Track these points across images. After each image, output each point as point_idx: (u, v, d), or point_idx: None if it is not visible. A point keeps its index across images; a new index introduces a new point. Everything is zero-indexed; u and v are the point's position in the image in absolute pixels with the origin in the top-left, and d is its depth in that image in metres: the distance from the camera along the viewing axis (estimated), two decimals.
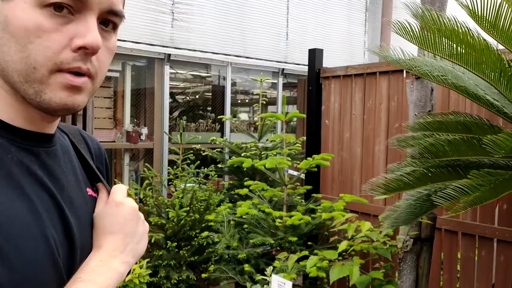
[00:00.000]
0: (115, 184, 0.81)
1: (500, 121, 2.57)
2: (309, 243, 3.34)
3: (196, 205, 3.60)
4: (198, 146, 4.46)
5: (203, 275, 3.30)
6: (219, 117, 5.04)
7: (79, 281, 0.65)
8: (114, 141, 4.79)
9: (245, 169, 4.19)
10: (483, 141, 1.47)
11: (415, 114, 2.81)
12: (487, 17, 1.53)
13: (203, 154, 4.43)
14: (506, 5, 1.49)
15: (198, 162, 4.05)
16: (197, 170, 4.25)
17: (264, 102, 4.42)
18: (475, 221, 2.97)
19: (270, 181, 4.23)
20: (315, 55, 4.03)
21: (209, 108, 6.70)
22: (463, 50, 1.80)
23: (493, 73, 1.73)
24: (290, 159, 4.04)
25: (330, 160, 3.80)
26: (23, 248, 0.59)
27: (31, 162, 0.66)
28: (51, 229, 0.64)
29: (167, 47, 4.86)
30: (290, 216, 3.15)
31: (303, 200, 3.89)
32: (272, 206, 3.60)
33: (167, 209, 3.58)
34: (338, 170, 3.92)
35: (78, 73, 0.63)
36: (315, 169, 3.62)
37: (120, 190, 0.78)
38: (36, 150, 0.68)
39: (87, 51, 0.63)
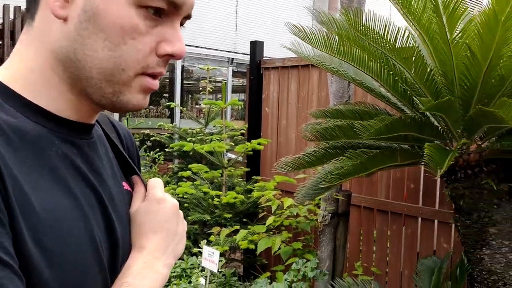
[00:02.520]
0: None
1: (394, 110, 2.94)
2: (245, 220, 3.65)
3: None
4: (147, 131, 4.70)
5: None
6: (167, 103, 5.28)
7: (126, 285, 0.63)
8: None
9: (191, 153, 4.47)
10: (355, 125, 1.80)
11: (334, 104, 3.15)
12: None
13: (151, 139, 4.67)
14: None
15: (145, 146, 4.29)
16: (146, 154, 4.49)
17: (211, 90, 4.69)
18: (388, 199, 3.36)
19: (214, 165, 4.52)
20: (256, 47, 4.32)
21: (165, 95, 6.91)
22: (356, 51, 2.13)
23: (375, 68, 2.06)
24: (233, 144, 4.34)
25: (268, 144, 4.13)
26: (72, 251, 0.57)
27: (74, 155, 0.62)
28: (96, 228, 0.61)
29: None
30: (226, 196, 3.45)
31: (244, 182, 4.21)
32: (214, 187, 3.89)
33: None
34: (276, 154, 4.24)
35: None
36: (251, 152, 3.93)
37: (159, 185, 0.74)
38: (79, 142, 0.64)
39: (172, 58, 0.62)
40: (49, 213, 0.55)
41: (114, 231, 0.65)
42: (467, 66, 1.81)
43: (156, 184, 0.74)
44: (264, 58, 4.44)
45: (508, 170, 2.21)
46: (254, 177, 4.12)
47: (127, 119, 4.12)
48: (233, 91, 7.52)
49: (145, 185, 0.75)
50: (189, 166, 3.87)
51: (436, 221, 3.06)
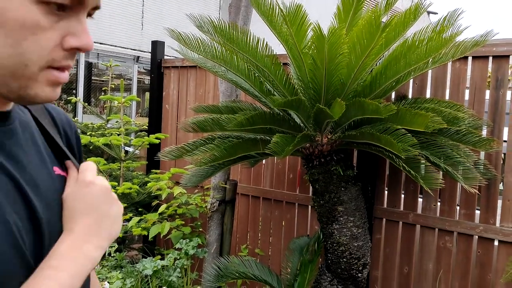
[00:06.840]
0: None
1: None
2: (140, 209, 3.87)
3: None
4: None
5: None
6: (68, 98, 5.32)
7: (48, 268, 0.62)
8: None
9: (91, 147, 4.58)
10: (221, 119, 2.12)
11: (223, 101, 3.48)
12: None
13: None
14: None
15: None
16: None
17: (113, 86, 4.82)
18: (272, 188, 3.76)
19: (115, 159, 4.67)
20: (156, 46, 4.55)
21: (74, 91, 6.86)
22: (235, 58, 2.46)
23: (245, 71, 2.41)
24: (132, 138, 4.53)
25: (168, 139, 4.38)
26: None
27: None
28: (12, 215, 0.60)
29: None
30: (121, 187, 3.65)
31: (145, 175, 4.41)
32: (112, 179, 4.06)
33: None
34: None
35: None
36: (148, 146, 4.15)
37: (89, 168, 0.74)
38: None
39: (79, 51, 0.64)
40: None
41: (36, 218, 0.64)
42: (313, 72, 2.21)
43: (87, 167, 0.74)
44: (166, 57, 4.68)
45: (354, 159, 2.67)
46: (153, 170, 4.34)
47: None
48: (143, 90, 7.66)
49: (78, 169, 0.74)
50: (88, 159, 4.00)
51: (309, 206, 3.50)
